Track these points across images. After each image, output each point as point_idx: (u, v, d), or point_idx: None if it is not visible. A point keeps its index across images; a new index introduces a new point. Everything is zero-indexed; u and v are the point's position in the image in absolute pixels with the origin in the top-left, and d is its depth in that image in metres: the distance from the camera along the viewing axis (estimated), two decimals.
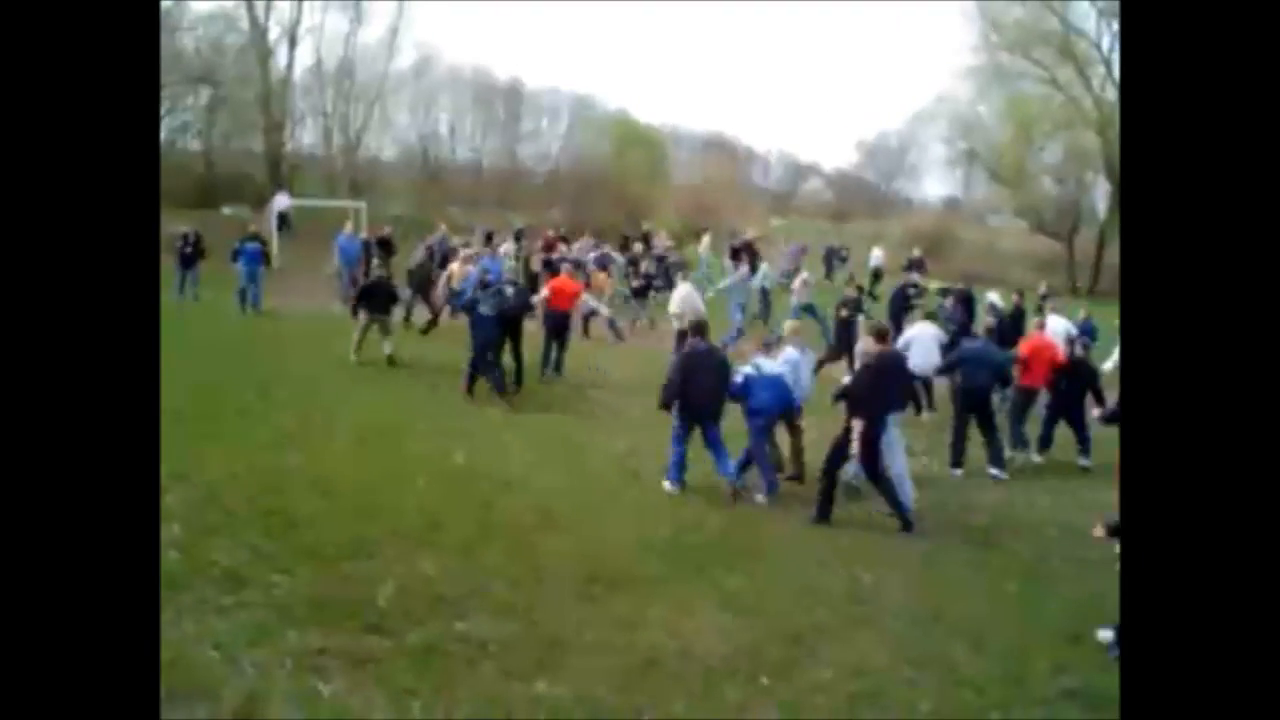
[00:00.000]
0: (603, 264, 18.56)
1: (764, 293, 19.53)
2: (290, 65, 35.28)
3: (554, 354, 12.95)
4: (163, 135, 34.62)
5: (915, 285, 17.52)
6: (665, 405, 8.40)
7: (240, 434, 8.96)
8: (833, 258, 31.48)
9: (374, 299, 12.88)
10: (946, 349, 11.49)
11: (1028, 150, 35.50)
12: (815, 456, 8.59)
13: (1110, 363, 11.97)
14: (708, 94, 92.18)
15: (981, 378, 9.82)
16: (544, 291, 13.10)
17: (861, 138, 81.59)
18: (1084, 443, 10.27)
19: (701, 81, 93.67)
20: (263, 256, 16.68)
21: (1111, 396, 9.91)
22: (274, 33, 34.18)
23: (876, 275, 27.47)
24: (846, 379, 9.18)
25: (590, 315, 16.55)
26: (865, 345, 8.53)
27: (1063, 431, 10.45)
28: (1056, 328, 12.38)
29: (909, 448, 9.16)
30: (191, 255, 17.49)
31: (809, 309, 15.44)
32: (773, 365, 8.63)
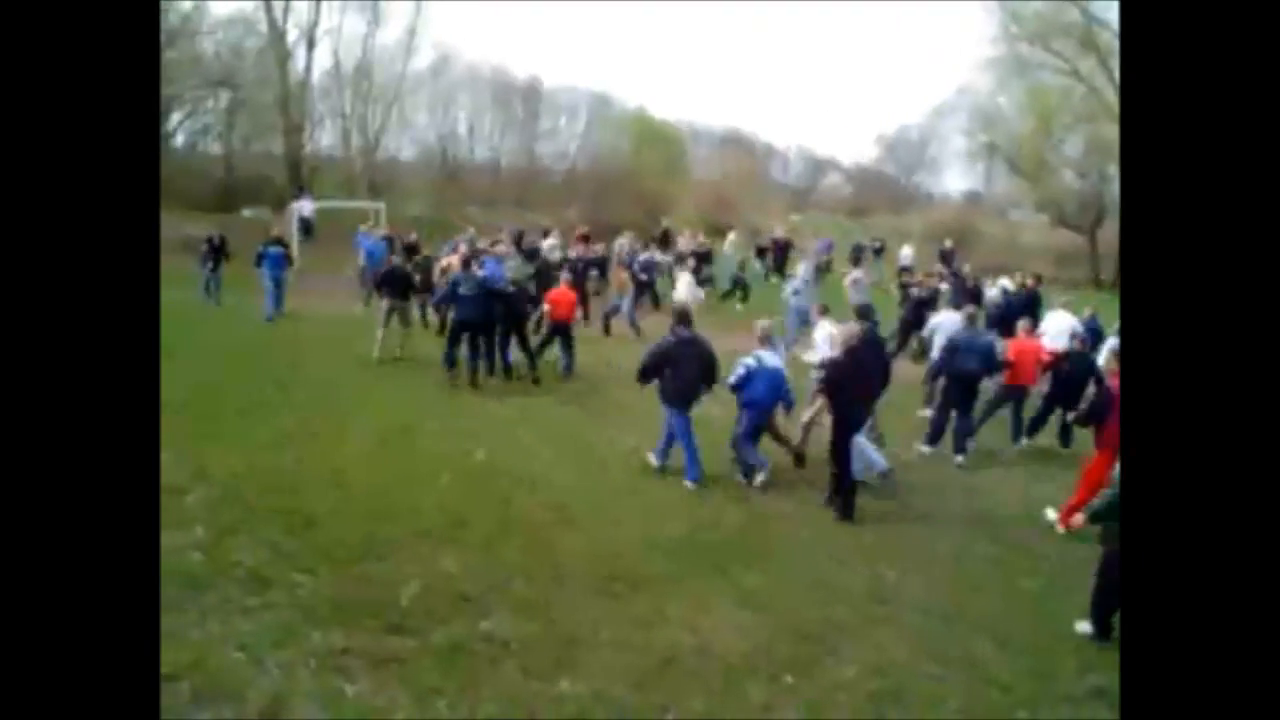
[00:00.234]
0: (648, 269, 18.22)
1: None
2: (309, 67, 35.45)
3: (562, 358, 13.04)
4: (182, 139, 35.03)
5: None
6: (641, 382, 8.77)
7: (260, 433, 9.03)
8: (861, 253, 30.80)
9: (393, 285, 13.22)
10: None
11: (1049, 143, 35.16)
12: (816, 451, 8.73)
13: (1100, 357, 11.65)
14: (725, 90, 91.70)
15: (971, 363, 9.98)
16: (545, 306, 13.11)
17: (881, 132, 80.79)
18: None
19: (719, 77, 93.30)
20: (286, 260, 16.77)
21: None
22: (292, 35, 34.36)
23: (906, 272, 26.98)
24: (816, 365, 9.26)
25: (612, 313, 16.54)
26: (847, 329, 8.57)
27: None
28: (1060, 325, 12.29)
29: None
30: (216, 258, 17.66)
31: (864, 310, 14.48)
32: (773, 358, 8.62)
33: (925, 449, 10.08)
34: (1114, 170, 35.86)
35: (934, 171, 57.38)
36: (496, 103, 43.14)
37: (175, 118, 33.79)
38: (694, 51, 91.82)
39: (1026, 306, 14.25)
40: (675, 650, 5.28)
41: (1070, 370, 10.22)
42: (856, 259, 29.83)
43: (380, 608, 5.49)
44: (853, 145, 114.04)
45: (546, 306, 12.95)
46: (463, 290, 11.75)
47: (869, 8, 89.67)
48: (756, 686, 4.97)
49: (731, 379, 8.58)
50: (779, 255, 25.98)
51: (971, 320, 10.68)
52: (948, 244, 25.66)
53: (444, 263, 14.86)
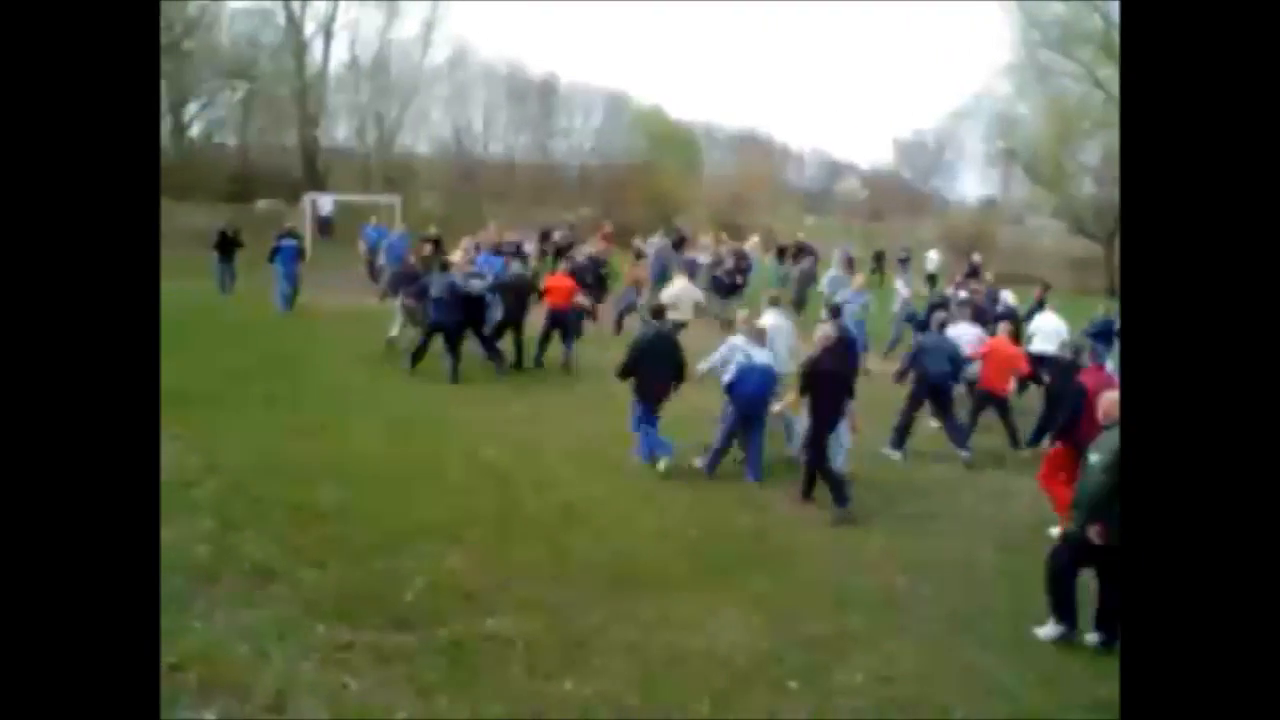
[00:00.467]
0: (691, 270, 17.76)
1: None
2: (325, 61, 35.66)
3: (564, 351, 13.09)
4: (198, 130, 35.25)
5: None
6: (621, 378, 9.00)
7: (270, 426, 9.05)
8: (882, 260, 29.58)
9: (409, 285, 13.04)
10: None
11: (1067, 150, 34.91)
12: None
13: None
14: (741, 91, 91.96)
15: (939, 365, 10.02)
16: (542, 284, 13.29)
17: (898, 136, 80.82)
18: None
19: (735, 78, 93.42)
20: (299, 254, 16.77)
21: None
22: (309, 28, 34.57)
23: (932, 280, 26.30)
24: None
25: (627, 310, 16.48)
26: (823, 329, 8.62)
27: None
28: (1046, 326, 12.10)
29: None
30: (229, 249, 17.69)
31: (913, 319, 13.82)
32: (761, 355, 8.58)
33: (892, 453, 9.92)
34: None
35: (950, 177, 57.34)
36: (512, 99, 43.21)
37: (192, 109, 33.98)
38: (711, 52, 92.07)
39: (1028, 315, 14.10)
40: (681, 652, 5.24)
41: (1057, 385, 9.96)
42: (878, 267, 28.70)
43: (385, 603, 5.47)
44: (869, 149, 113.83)
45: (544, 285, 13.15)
46: (434, 293, 11.76)
47: (888, 10, 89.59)
48: (762, 691, 4.92)
49: (725, 378, 8.62)
50: (799, 258, 25.67)
51: (941, 325, 10.64)
52: (976, 258, 24.58)
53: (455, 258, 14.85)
